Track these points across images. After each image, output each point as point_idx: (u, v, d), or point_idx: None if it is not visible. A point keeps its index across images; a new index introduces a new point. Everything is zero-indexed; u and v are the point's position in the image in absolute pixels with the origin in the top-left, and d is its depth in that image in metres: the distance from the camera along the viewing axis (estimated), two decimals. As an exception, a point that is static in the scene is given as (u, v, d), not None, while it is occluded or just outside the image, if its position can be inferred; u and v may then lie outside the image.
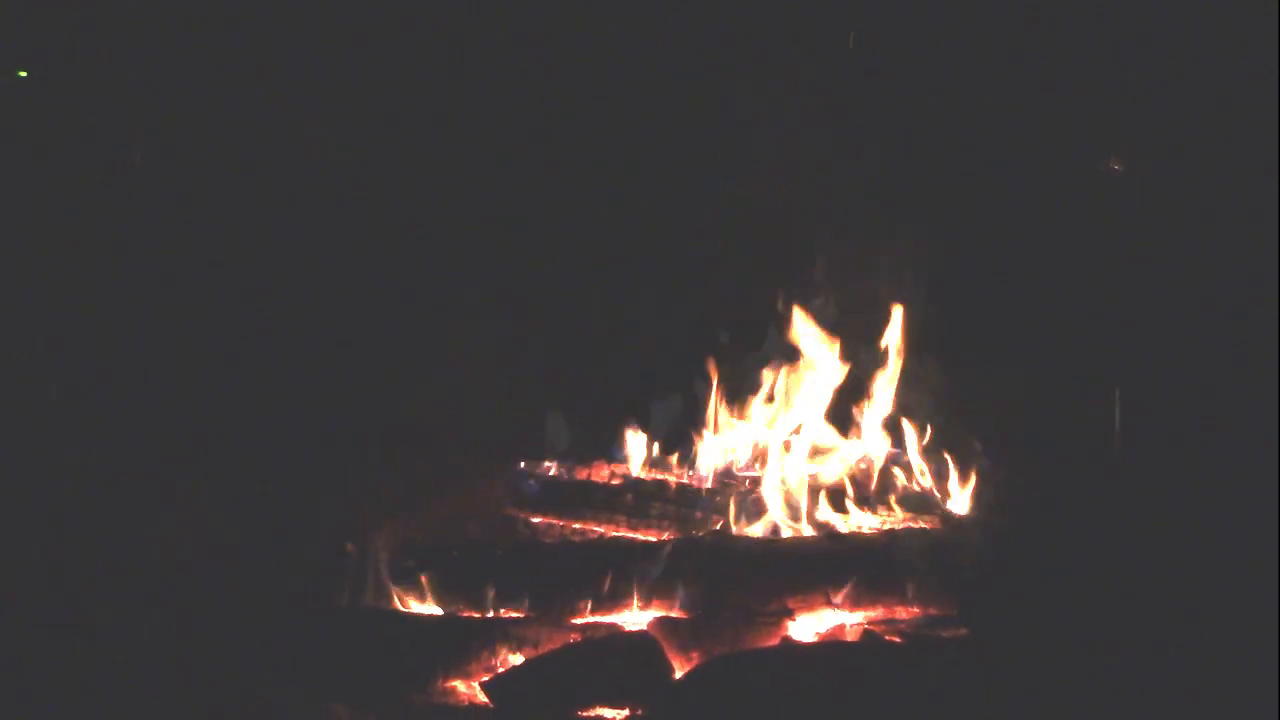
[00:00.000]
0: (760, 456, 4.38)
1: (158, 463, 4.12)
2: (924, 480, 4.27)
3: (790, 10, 4.63)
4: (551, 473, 4.43)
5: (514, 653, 3.55)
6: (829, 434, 4.39)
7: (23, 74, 4.12)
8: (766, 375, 4.45)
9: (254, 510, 4.04)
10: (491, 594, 3.75)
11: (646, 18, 4.68)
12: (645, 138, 4.74)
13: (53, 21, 4.33)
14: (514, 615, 3.72)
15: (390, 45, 4.60)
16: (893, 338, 4.39)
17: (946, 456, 4.28)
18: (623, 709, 3.38)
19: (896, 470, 4.32)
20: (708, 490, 4.26)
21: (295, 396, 4.42)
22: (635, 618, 3.72)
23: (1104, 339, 4.35)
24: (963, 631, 3.60)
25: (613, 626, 3.70)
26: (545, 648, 3.57)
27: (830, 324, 4.48)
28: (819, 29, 4.65)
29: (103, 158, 4.39)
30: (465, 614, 3.74)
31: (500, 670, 3.50)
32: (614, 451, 4.51)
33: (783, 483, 4.19)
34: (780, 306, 4.47)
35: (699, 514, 4.16)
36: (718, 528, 4.08)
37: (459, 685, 3.48)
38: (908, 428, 4.33)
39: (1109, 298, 4.34)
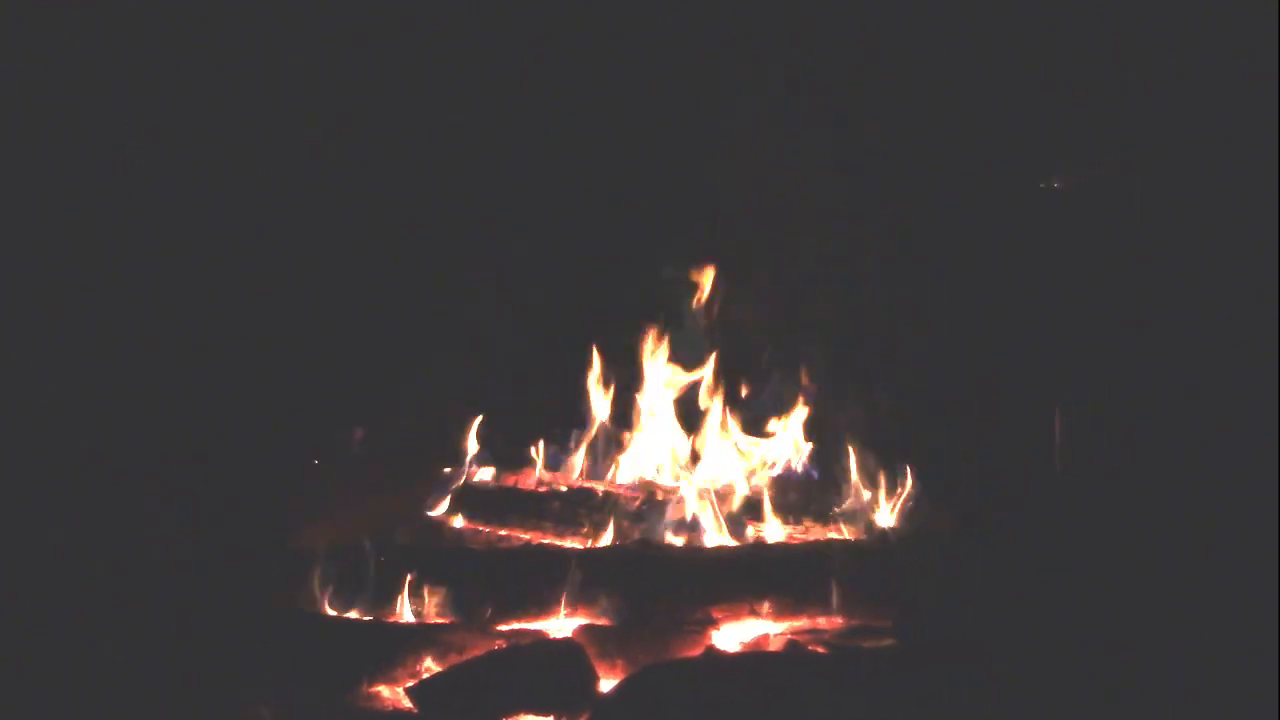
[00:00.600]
0: (687, 465, 4.42)
1: (75, 468, 4.06)
2: (849, 491, 4.33)
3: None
4: (478, 479, 4.44)
5: (439, 658, 3.54)
6: (755, 444, 4.43)
7: None
8: (694, 384, 4.49)
9: (179, 515, 4.00)
10: (417, 599, 3.75)
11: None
12: (562, 139, 4.73)
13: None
14: (439, 621, 3.73)
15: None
16: (818, 348, 4.45)
17: (872, 467, 4.34)
18: (547, 716, 3.38)
19: (822, 481, 4.37)
20: (634, 498, 4.28)
21: (223, 401, 4.37)
22: (561, 625, 3.73)
23: (1043, 350, 4.39)
24: (887, 641, 3.63)
25: (538, 633, 3.70)
26: (470, 654, 3.56)
27: (756, 335, 4.53)
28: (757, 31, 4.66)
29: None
30: (391, 619, 3.74)
31: (425, 676, 3.49)
32: (542, 458, 4.53)
33: (709, 492, 4.23)
34: (710, 315, 4.51)
35: (625, 522, 4.18)
36: (643, 536, 4.11)
37: (384, 690, 3.46)
38: (834, 438, 4.39)
39: (1047, 309, 4.39)
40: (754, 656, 3.67)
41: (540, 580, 3.79)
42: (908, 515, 4.22)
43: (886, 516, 4.26)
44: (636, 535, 4.12)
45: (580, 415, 4.55)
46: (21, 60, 4.23)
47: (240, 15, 4.46)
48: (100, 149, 4.33)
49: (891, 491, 4.28)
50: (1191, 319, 4.20)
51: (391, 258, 4.68)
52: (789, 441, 4.45)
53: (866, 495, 4.29)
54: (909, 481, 4.26)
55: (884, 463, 4.31)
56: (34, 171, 4.24)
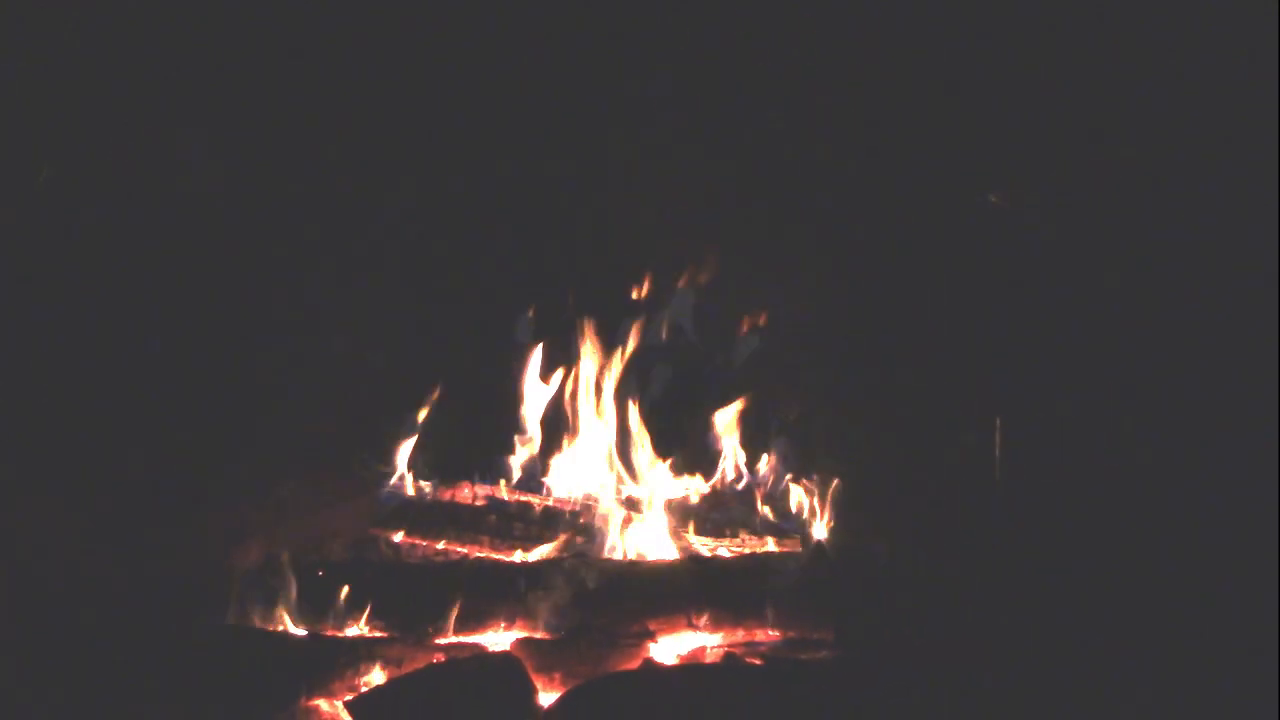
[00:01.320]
0: (623, 479, 4.44)
1: (13, 478, 4.00)
2: (786, 504, 4.38)
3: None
4: (415, 493, 4.44)
5: (377, 672, 3.54)
6: (692, 457, 4.47)
7: None
8: (630, 397, 4.53)
9: (114, 528, 3.96)
10: (355, 613, 3.75)
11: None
12: (485, 141, 4.74)
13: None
14: (377, 634, 3.72)
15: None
16: (759, 359, 4.50)
17: (809, 480, 4.39)
18: (486, 729, 3.39)
19: (759, 494, 4.42)
20: (571, 512, 4.30)
21: (156, 413, 4.33)
22: (499, 638, 3.74)
23: (983, 364, 4.45)
24: (823, 654, 3.67)
25: (476, 647, 3.70)
26: (409, 667, 3.55)
27: (695, 346, 4.57)
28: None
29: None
30: (329, 633, 3.73)
31: (363, 689, 3.48)
32: (477, 472, 4.55)
33: (646, 505, 4.26)
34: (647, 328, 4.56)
35: (562, 535, 4.20)
36: (581, 549, 4.13)
37: (322, 704, 3.44)
38: (771, 450, 4.44)
39: (989, 323, 4.45)
40: (692, 669, 3.68)
41: (478, 593, 3.79)
42: (844, 528, 4.27)
43: (822, 529, 4.31)
44: (574, 548, 4.14)
45: (516, 427, 4.56)
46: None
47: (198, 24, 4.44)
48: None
49: (828, 504, 4.33)
50: (1137, 330, 4.26)
51: (316, 268, 4.66)
52: (726, 454, 4.50)
53: (803, 508, 4.34)
54: (845, 494, 4.31)
55: (821, 475, 4.37)
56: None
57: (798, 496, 4.40)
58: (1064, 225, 4.37)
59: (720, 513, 4.32)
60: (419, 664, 3.57)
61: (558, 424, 4.57)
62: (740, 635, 3.79)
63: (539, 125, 4.71)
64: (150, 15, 4.44)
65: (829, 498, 4.35)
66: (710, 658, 3.73)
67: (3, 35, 4.25)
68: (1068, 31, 4.41)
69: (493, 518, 4.29)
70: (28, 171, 4.29)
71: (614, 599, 3.81)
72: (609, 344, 4.60)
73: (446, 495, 4.46)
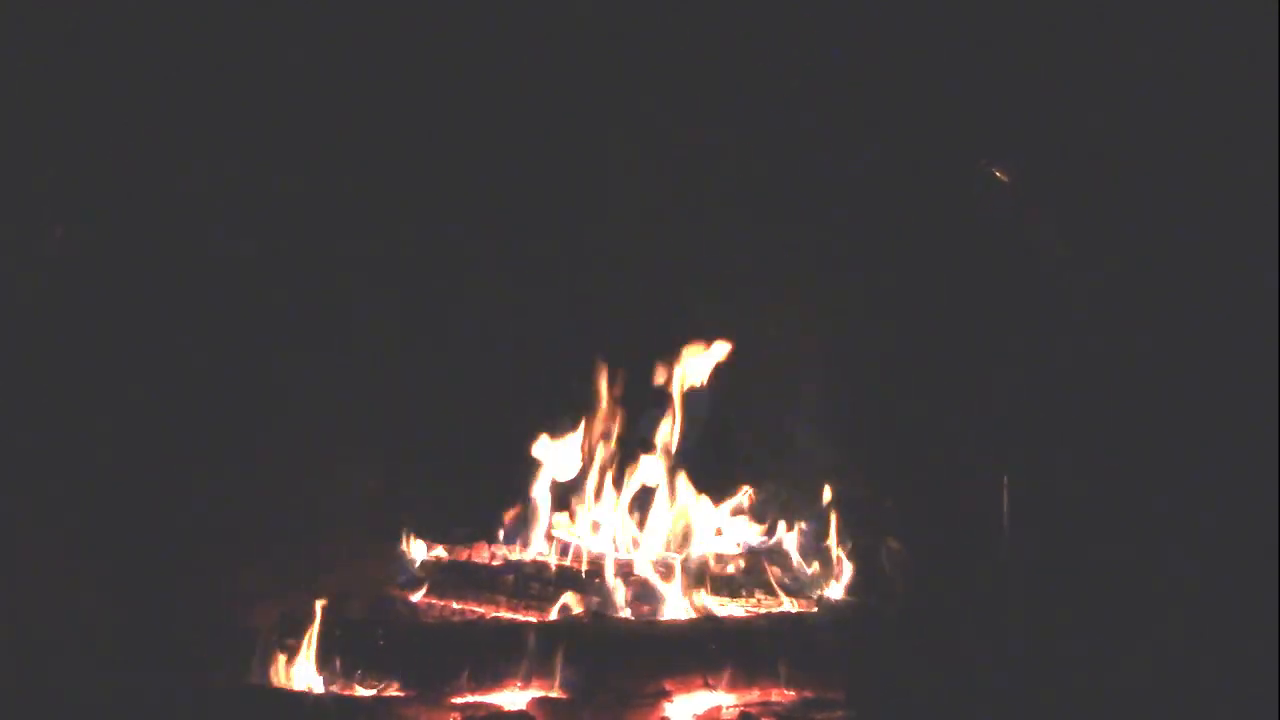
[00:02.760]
0: (639, 538, 4.46)
1: (35, 534, 4.04)
2: (801, 564, 4.39)
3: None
4: (432, 553, 4.47)
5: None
6: (707, 516, 4.49)
7: None
8: (644, 456, 4.55)
9: (137, 589, 3.99)
10: (372, 674, 3.77)
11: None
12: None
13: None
14: (395, 694, 3.74)
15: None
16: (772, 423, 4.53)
17: (826, 540, 4.41)
18: (503, 788, 3.40)
19: (774, 553, 4.43)
20: (587, 572, 4.32)
21: (177, 475, 4.37)
22: (515, 697, 3.75)
23: (992, 425, 4.46)
24: (839, 714, 3.68)
25: (493, 706, 3.72)
26: (426, 727, 3.59)
27: (707, 406, 4.60)
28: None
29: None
30: (346, 693, 3.75)
31: (381, 748, 3.51)
32: (495, 532, 4.57)
33: (661, 565, 4.28)
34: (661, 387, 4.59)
35: (579, 595, 4.21)
36: (597, 609, 4.15)
37: (341, 763, 3.47)
38: (787, 511, 4.46)
39: (998, 382, 4.47)
40: (707, 729, 3.71)
41: (495, 653, 3.81)
42: (856, 589, 4.28)
43: (836, 589, 4.32)
44: (590, 608, 4.15)
45: (534, 488, 4.59)
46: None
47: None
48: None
49: (842, 564, 4.35)
50: (1144, 395, 4.28)
51: (338, 331, 4.70)
52: (742, 514, 4.52)
53: (817, 568, 4.36)
54: (857, 555, 4.33)
55: (835, 535, 4.39)
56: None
57: (811, 556, 4.41)
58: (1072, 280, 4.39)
59: (736, 572, 4.33)
60: (436, 723, 3.59)
61: (575, 484, 4.59)
62: (755, 695, 3.80)
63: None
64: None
65: (841, 557, 4.37)
66: (725, 717, 3.74)
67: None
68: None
69: (510, 578, 4.30)
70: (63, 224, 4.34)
71: (630, 658, 3.82)
72: (627, 404, 4.63)
73: (464, 555, 4.48)
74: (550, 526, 4.53)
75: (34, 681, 3.58)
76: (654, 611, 4.19)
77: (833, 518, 4.45)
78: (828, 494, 4.50)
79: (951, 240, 4.59)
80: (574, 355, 4.72)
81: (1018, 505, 4.25)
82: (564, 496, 4.59)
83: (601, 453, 4.59)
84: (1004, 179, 4.36)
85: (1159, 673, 3.72)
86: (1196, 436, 4.17)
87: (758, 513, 4.55)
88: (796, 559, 4.42)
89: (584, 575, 4.31)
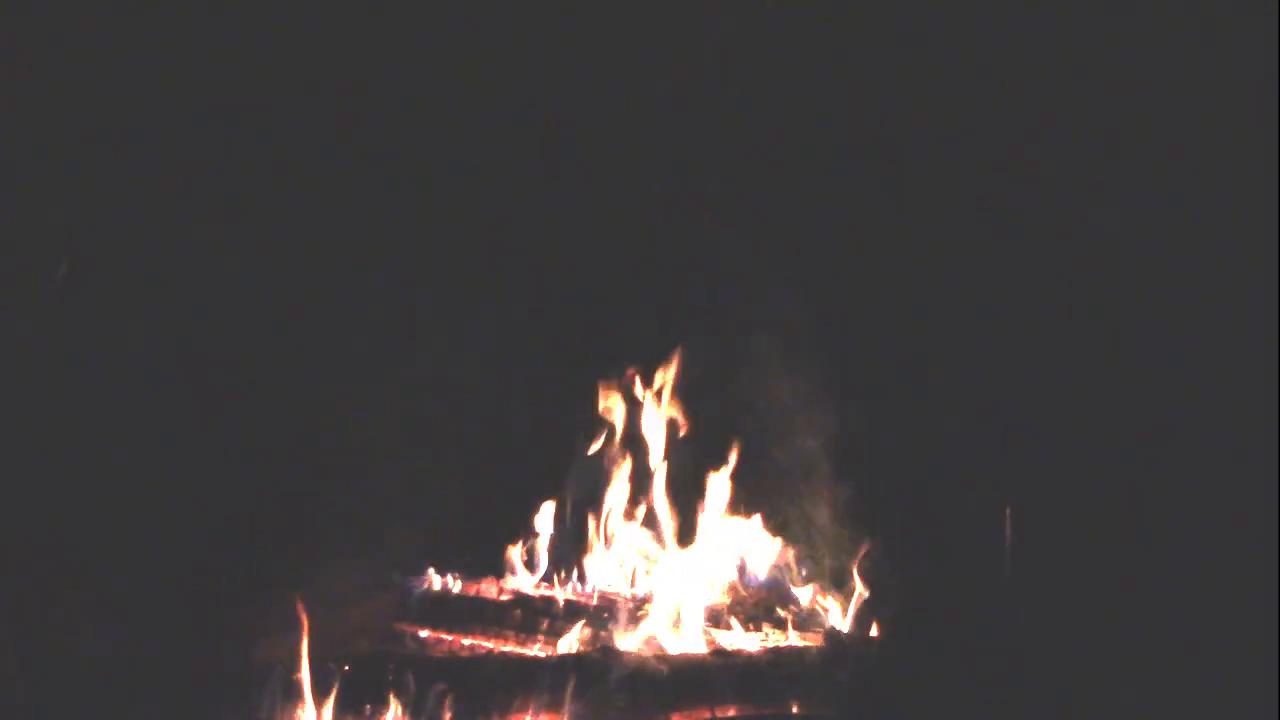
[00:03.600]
0: (647, 572, 4.47)
1: (44, 571, 4.06)
2: (808, 597, 4.39)
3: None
4: (440, 588, 4.48)
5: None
6: (714, 549, 4.49)
7: None
8: (649, 490, 4.57)
9: (145, 626, 4.00)
10: (382, 709, 3.77)
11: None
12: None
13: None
14: (403, 729, 3.75)
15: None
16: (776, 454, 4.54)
17: (828, 573, 4.42)
18: (512, 822, 3.40)
19: (780, 586, 4.43)
20: (595, 606, 4.32)
21: (185, 511, 4.39)
22: (525, 731, 3.76)
23: (995, 452, 4.47)
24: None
25: (502, 740, 3.73)
26: (435, 761, 3.59)
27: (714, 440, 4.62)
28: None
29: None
30: (355, 728, 3.76)
31: (390, 783, 3.51)
32: (502, 567, 4.58)
33: (669, 598, 4.28)
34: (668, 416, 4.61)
35: (587, 629, 4.21)
36: (605, 643, 4.15)
37: (351, 798, 3.47)
38: (792, 544, 4.47)
39: (1002, 408, 4.47)
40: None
41: (503, 687, 3.81)
42: (862, 620, 4.28)
43: (842, 621, 4.32)
44: (598, 642, 4.15)
45: (540, 522, 4.60)
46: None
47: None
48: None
49: (847, 597, 4.35)
50: (1145, 420, 4.28)
51: (340, 355, 4.72)
52: (748, 548, 4.52)
53: (823, 601, 4.36)
54: (862, 587, 4.33)
55: (841, 568, 4.39)
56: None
57: (817, 590, 4.41)
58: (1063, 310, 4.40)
59: (744, 606, 4.33)
60: (445, 758, 3.59)
61: (582, 518, 4.60)
62: (762, 728, 3.81)
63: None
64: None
65: (849, 589, 4.37)
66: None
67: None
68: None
69: (518, 612, 4.30)
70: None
71: (637, 692, 3.82)
72: (635, 438, 4.65)
73: (472, 590, 4.49)
74: (559, 561, 4.54)
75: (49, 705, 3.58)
76: (662, 645, 4.18)
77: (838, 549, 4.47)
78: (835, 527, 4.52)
79: (956, 244, 4.60)
80: (582, 379, 4.73)
81: (1020, 522, 4.25)
82: (573, 531, 4.60)
83: (611, 484, 4.60)
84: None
85: (1165, 683, 3.71)
86: (1202, 442, 4.17)
87: (766, 546, 4.56)
88: (805, 591, 4.42)
89: (592, 609, 4.31)
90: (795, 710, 3.83)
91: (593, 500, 4.59)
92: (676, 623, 4.22)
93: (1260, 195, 4.23)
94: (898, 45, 4.66)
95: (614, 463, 4.61)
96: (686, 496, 4.56)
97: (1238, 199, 4.31)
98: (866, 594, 4.31)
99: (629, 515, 4.57)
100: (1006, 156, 4.52)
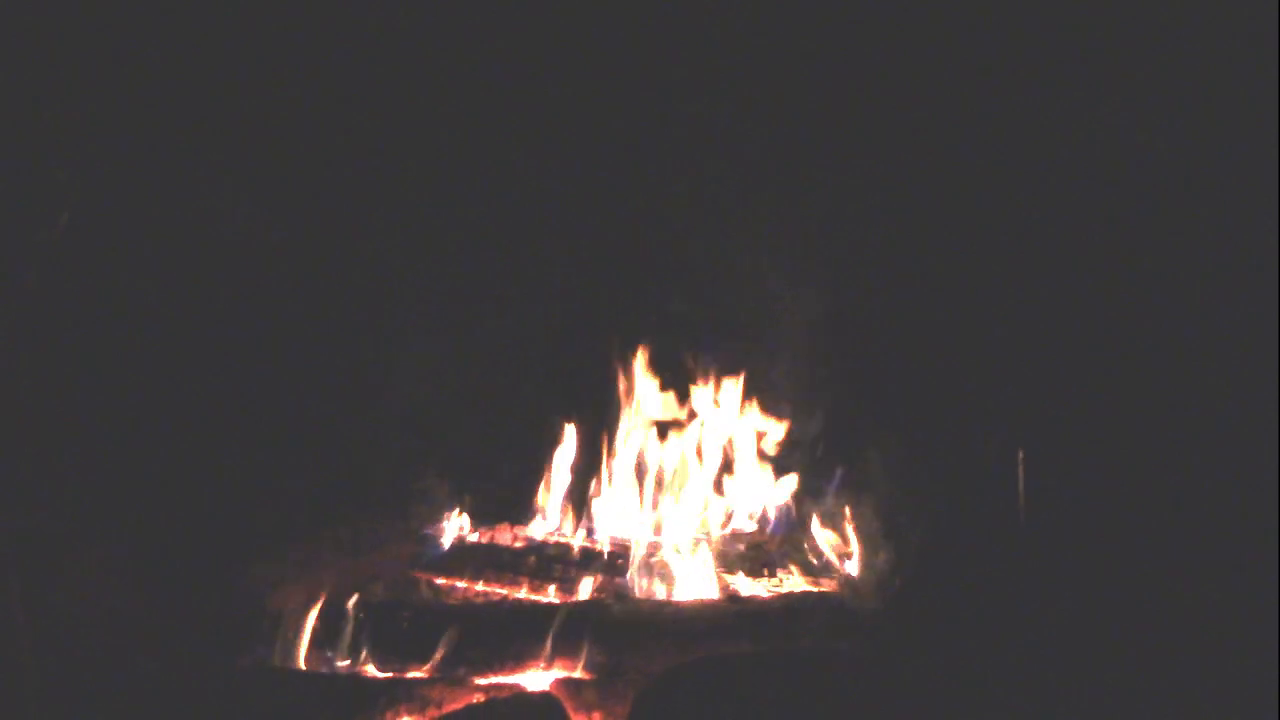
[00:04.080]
0: (661, 518, 4.47)
1: (62, 520, 4.07)
2: (822, 544, 4.39)
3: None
4: (456, 535, 4.49)
5: (417, 712, 3.57)
6: (728, 495, 4.49)
7: None
8: (663, 436, 4.56)
9: (160, 570, 4.02)
10: (395, 654, 3.79)
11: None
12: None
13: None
14: (417, 675, 3.76)
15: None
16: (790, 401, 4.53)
17: (844, 519, 4.41)
18: (526, 767, 3.41)
19: (795, 532, 4.44)
20: (609, 553, 4.33)
21: (202, 457, 4.40)
22: (538, 678, 3.77)
23: (1008, 401, 4.45)
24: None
25: (515, 687, 3.73)
26: (449, 707, 3.58)
27: (731, 386, 4.61)
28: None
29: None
30: (369, 673, 3.77)
31: (405, 729, 3.52)
32: (516, 513, 4.59)
33: (683, 545, 4.28)
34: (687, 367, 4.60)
35: (601, 575, 4.22)
36: (619, 589, 4.16)
37: (364, 744, 3.49)
38: (807, 490, 4.47)
39: (1015, 358, 4.45)
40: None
41: (517, 634, 3.83)
42: (873, 567, 4.28)
43: (855, 568, 4.32)
44: (612, 588, 4.16)
45: (556, 469, 4.60)
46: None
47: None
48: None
49: (859, 542, 4.36)
50: (1162, 364, 4.26)
51: (364, 309, 4.72)
52: (763, 493, 4.52)
53: (837, 548, 4.36)
54: (875, 534, 4.33)
55: (853, 516, 4.39)
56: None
57: (831, 535, 4.41)
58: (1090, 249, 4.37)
59: (757, 552, 4.33)
60: (459, 704, 3.59)
61: (597, 465, 4.60)
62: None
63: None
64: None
65: (860, 535, 4.37)
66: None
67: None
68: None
69: (532, 559, 4.31)
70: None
71: (652, 639, 3.83)
72: (651, 386, 4.64)
73: (486, 537, 4.50)
74: (573, 507, 4.55)
75: (61, 661, 3.60)
76: (677, 592, 4.19)
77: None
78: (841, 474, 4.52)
79: (967, 218, 4.57)
80: (595, 339, 4.72)
81: (1034, 486, 4.24)
82: (588, 477, 4.60)
83: (625, 432, 4.60)
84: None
85: (1177, 668, 3.71)
86: (1218, 422, 4.15)
87: (779, 493, 4.56)
88: (821, 537, 4.42)
89: (606, 556, 4.31)
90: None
91: (610, 448, 4.58)
92: (691, 569, 4.22)
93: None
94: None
95: (634, 414, 4.61)
96: (706, 448, 4.55)
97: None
98: (880, 544, 4.32)
99: (644, 464, 4.57)
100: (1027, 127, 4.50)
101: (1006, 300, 4.49)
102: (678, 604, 4.10)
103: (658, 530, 4.45)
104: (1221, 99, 4.23)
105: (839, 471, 4.53)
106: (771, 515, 4.52)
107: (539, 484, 4.61)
